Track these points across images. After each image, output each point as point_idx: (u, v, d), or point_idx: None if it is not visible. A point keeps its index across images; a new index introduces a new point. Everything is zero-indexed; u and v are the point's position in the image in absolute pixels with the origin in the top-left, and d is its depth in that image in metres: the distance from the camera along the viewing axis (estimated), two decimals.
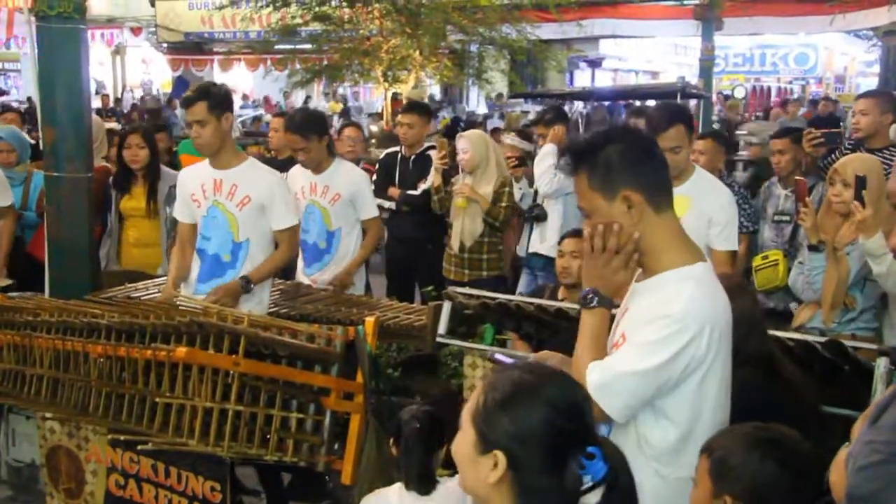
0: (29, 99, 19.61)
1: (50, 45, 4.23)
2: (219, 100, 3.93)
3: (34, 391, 3.51)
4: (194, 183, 4.08)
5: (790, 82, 30.22)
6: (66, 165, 4.32)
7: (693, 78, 15.35)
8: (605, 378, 2.07)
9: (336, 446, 3.16)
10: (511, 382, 1.60)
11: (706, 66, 14.56)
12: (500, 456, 1.55)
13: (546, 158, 5.55)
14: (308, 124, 4.78)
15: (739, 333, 2.26)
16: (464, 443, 1.62)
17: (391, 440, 2.74)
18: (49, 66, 4.26)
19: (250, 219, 3.97)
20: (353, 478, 3.11)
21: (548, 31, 15.83)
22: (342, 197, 4.80)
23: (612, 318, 2.25)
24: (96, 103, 19.78)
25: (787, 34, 23.97)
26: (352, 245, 4.87)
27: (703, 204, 3.79)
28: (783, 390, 2.54)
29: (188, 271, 4.24)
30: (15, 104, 21.46)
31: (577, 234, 4.28)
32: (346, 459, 3.12)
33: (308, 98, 23.50)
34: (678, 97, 10.64)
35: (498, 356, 2.57)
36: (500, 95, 18.49)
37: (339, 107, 21.21)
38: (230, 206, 3.97)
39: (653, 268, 2.15)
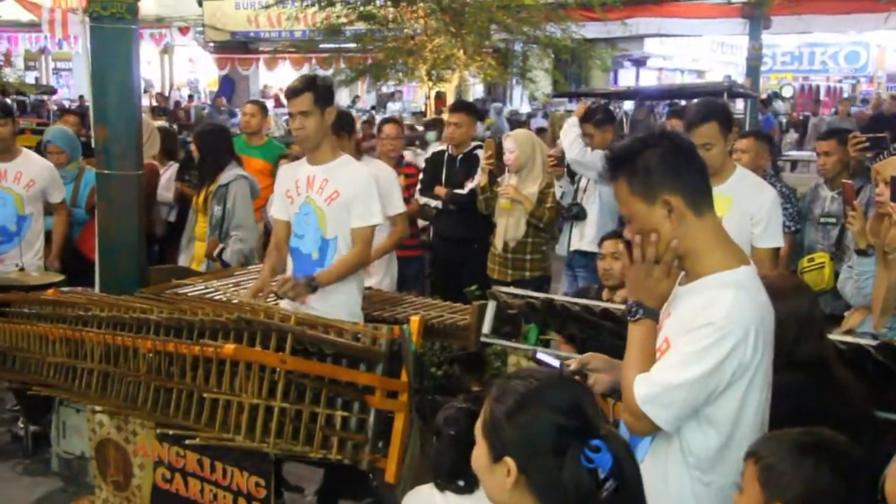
0: (81, 97, 19.98)
1: (103, 44, 4.30)
2: (323, 92, 3.86)
3: (85, 385, 3.56)
4: (290, 179, 4.03)
5: (840, 81, 29.68)
6: (117, 163, 4.39)
7: (740, 77, 15.16)
8: (652, 390, 2.07)
9: (380, 445, 3.16)
10: (513, 391, 1.65)
11: (753, 65, 14.36)
12: (510, 462, 1.61)
13: (571, 129, 5.50)
14: (337, 122, 4.79)
15: (789, 334, 2.23)
16: (479, 454, 1.69)
17: (434, 439, 2.74)
18: (102, 65, 4.33)
19: (338, 215, 3.89)
20: (396, 476, 3.11)
21: (592, 30, 15.70)
22: None
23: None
24: (148, 102, 20.11)
25: (837, 32, 23.49)
26: (382, 240, 4.82)
27: (745, 202, 3.74)
28: (835, 394, 2.50)
29: (280, 270, 4.24)
30: (66, 102, 21.92)
31: (616, 235, 4.27)
32: (389, 458, 3.13)
33: (356, 98, 23.64)
34: (725, 96, 10.51)
35: (540, 355, 2.56)
36: (533, 97, 18.36)
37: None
38: (319, 202, 3.90)
39: (695, 271, 2.14)
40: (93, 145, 4.68)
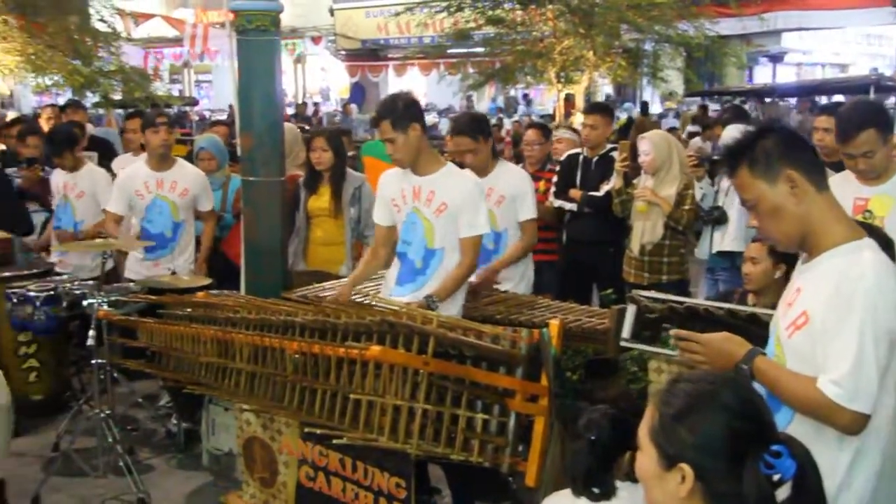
0: (230, 107, 20.83)
1: (248, 56, 4.47)
2: (400, 114, 3.90)
3: (234, 384, 3.70)
4: (394, 187, 4.10)
5: None
6: (261, 170, 4.55)
7: (888, 70, 14.41)
8: (849, 385, 2.05)
9: (520, 448, 3.15)
10: (683, 394, 1.60)
11: None
12: (686, 469, 1.55)
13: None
14: (475, 126, 4.80)
15: None
16: (647, 461, 1.63)
17: (573, 443, 2.71)
18: (247, 76, 4.49)
19: (446, 226, 3.95)
20: (537, 480, 3.10)
21: (726, 26, 15.26)
22: (506, 198, 4.80)
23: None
24: (290, 111, 20.76)
25: None
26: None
27: None
28: None
29: (372, 274, 4.35)
30: (207, 113, 22.92)
31: (762, 239, 4.12)
32: (530, 461, 3.11)
33: (495, 99, 23.75)
34: (871, 91, 10.02)
35: None
36: (670, 94, 17.96)
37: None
38: (427, 213, 3.98)
39: (820, 245, 2.20)
40: (238, 153, 4.87)
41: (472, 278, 4.64)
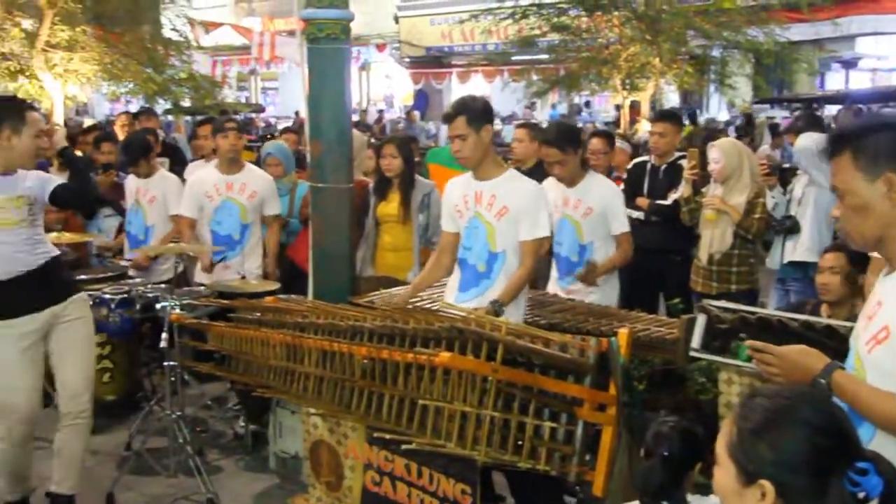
0: (296, 113, 21.16)
1: (319, 64, 4.53)
2: (477, 113, 3.96)
3: (301, 388, 3.73)
4: (457, 194, 4.15)
5: None
6: (330, 176, 4.60)
7: None
8: None
9: (587, 457, 3.13)
10: (762, 409, 1.57)
11: None
12: (766, 486, 1.52)
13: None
14: (564, 136, 4.75)
15: None
16: (725, 477, 1.60)
17: (643, 455, 2.68)
18: (317, 84, 4.56)
19: (507, 229, 3.98)
20: (605, 490, 3.07)
21: (798, 31, 14.93)
22: (594, 211, 4.75)
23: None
24: (354, 118, 20.97)
25: None
26: (603, 259, 4.79)
27: None
28: None
29: (434, 282, 4.36)
30: (272, 119, 23.27)
31: (837, 249, 4.04)
32: (597, 471, 3.09)
33: (554, 105, 23.63)
34: None
35: None
36: (732, 104, 17.62)
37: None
38: (489, 217, 4.00)
39: None
40: (307, 160, 4.93)
41: (580, 272, 4.69)
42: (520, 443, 3.06)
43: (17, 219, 3.94)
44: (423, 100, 25.54)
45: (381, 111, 26.77)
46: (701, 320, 3.51)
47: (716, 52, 14.37)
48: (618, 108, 16.07)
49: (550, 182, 4.86)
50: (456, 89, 25.09)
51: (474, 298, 4.00)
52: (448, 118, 4.00)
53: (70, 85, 12.53)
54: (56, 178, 4.24)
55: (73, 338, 4.16)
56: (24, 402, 4.00)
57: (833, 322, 3.17)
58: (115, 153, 6.85)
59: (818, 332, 3.16)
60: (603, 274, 4.76)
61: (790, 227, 5.42)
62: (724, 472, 1.60)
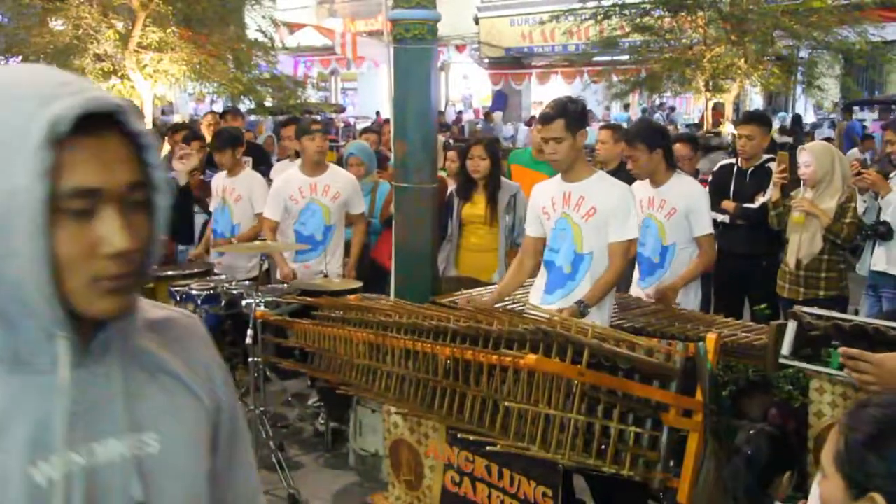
0: (377, 113, 21.35)
1: (405, 65, 4.55)
2: (576, 117, 3.95)
3: (384, 386, 3.76)
4: (545, 196, 4.15)
5: None
6: (414, 176, 4.62)
7: None
8: None
9: (671, 464, 3.08)
10: (871, 420, 1.52)
11: None
12: (878, 499, 1.48)
13: None
14: (651, 135, 4.72)
15: None
16: (833, 489, 1.56)
17: (730, 460, 2.63)
18: (403, 85, 4.58)
19: (595, 231, 3.96)
20: (689, 498, 3.02)
21: (893, 30, 14.44)
22: (678, 211, 4.69)
23: None
24: None
25: None
26: (685, 261, 4.73)
27: None
28: None
29: (520, 285, 4.34)
30: (352, 119, 23.54)
31: None
32: (682, 478, 3.03)
33: (627, 106, 23.36)
34: None
35: None
36: (819, 106, 17.11)
37: None
38: (577, 218, 4.00)
39: None
40: (391, 160, 4.96)
41: (649, 291, 4.58)
42: (603, 447, 3.03)
43: None
44: (501, 100, 25.51)
45: (459, 112, 26.83)
46: (791, 327, 3.42)
47: (803, 53, 14.00)
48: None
49: (637, 184, 4.82)
50: (535, 90, 25.02)
51: (560, 300, 3.99)
52: (547, 119, 3.96)
53: (159, 84, 12.86)
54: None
55: None
56: None
57: None
58: (203, 152, 7.00)
59: None
60: (682, 286, 4.67)
61: (883, 233, 5.25)
62: (832, 484, 1.56)
